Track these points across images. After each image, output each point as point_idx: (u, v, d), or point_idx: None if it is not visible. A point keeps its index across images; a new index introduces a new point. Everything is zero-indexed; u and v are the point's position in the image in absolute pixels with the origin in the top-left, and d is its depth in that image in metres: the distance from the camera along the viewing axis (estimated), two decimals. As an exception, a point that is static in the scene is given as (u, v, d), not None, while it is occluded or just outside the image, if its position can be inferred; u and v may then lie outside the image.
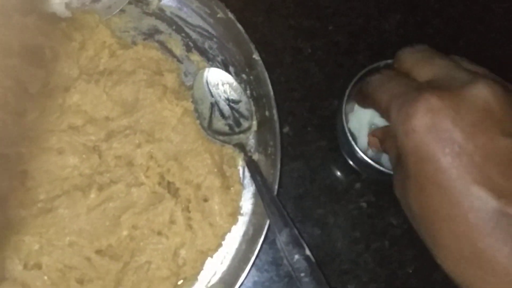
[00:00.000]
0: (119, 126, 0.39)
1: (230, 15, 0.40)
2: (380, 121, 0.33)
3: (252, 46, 0.39)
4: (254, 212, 0.39)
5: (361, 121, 0.35)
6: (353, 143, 0.34)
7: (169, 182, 0.38)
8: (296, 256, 0.33)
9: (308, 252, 0.33)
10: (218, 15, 0.41)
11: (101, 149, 0.38)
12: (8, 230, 0.35)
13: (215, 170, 0.38)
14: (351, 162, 0.39)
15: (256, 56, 0.39)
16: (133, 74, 0.40)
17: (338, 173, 0.41)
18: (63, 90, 0.38)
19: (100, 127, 0.38)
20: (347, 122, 0.35)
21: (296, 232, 0.33)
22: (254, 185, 0.39)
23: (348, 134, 0.35)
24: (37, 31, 0.39)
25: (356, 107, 0.35)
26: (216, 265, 0.38)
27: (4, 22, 0.39)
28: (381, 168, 0.33)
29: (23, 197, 0.36)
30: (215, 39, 0.42)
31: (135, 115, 0.39)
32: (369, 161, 0.34)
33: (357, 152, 0.34)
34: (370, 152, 0.35)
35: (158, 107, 0.39)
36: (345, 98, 0.35)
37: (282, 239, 0.33)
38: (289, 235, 0.34)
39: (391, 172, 0.30)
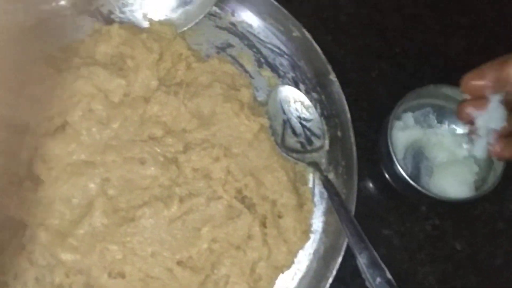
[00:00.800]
0: (196, 139, 0.40)
1: (307, 34, 0.42)
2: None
3: (329, 67, 0.41)
4: (324, 231, 0.41)
5: (398, 142, 0.40)
6: (395, 159, 0.38)
7: (245, 197, 0.39)
8: (378, 279, 0.34)
9: (389, 275, 0.35)
10: (294, 34, 0.43)
11: (179, 161, 0.39)
12: (93, 238, 0.35)
13: (290, 187, 0.39)
14: (389, 180, 0.41)
15: (333, 77, 0.41)
16: (210, 87, 0.41)
17: (404, 195, 0.42)
18: (143, 101, 0.40)
19: (178, 139, 0.39)
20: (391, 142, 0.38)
21: (376, 254, 0.35)
22: (324, 204, 0.40)
23: (392, 152, 0.38)
24: (121, 40, 0.39)
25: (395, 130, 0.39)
26: (287, 281, 0.39)
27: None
28: (419, 188, 0.37)
29: (106, 205, 0.37)
30: (286, 56, 0.44)
31: (212, 129, 0.40)
32: (407, 178, 0.38)
33: (398, 169, 0.38)
34: (409, 170, 0.39)
35: (235, 122, 0.40)
36: (392, 117, 0.38)
37: (363, 261, 0.35)
38: (369, 257, 0.35)
39: (428, 193, 0.36)
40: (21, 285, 0.37)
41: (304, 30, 0.42)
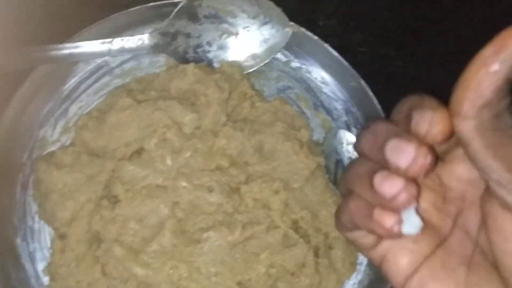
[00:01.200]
0: (257, 172, 0.44)
1: (364, 84, 0.46)
2: None
3: (383, 115, 0.45)
4: (369, 263, 0.44)
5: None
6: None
7: (299, 228, 0.43)
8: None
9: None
10: (351, 83, 0.47)
11: (241, 191, 0.43)
12: (163, 255, 0.39)
13: (342, 222, 0.43)
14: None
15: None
16: (272, 126, 0.45)
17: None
18: (212, 134, 0.44)
19: (241, 171, 0.44)
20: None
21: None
22: None
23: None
24: (196, 78, 0.44)
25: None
26: (334, 309, 0.43)
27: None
28: None
29: (175, 226, 0.41)
30: (341, 102, 0.48)
31: (272, 163, 0.44)
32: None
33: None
34: None
35: (294, 159, 0.44)
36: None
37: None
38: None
39: None
40: (94, 294, 0.41)
41: (361, 80, 0.47)
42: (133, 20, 0.48)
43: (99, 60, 0.48)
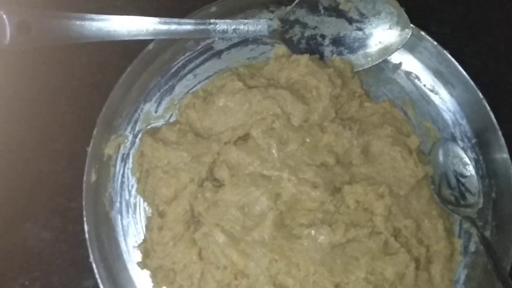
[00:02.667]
0: (361, 173, 0.43)
1: (482, 97, 0.44)
2: None
3: (499, 132, 0.43)
4: (465, 283, 0.42)
5: None
6: None
7: (400, 236, 0.41)
8: None
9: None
10: (464, 95, 0.45)
11: (344, 191, 0.41)
12: (263, 247, 0.38)
13: (445, 236, 0.41)
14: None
15: (502, 142, 0.43)
16: (380, 128, 0.44)
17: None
18: (319, 129, 0.43)
19: (345, 170, 0.42)
20: None
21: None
22: (468, 257, 0.43)
23: None
24: (308, 70, 0.43)
25: None
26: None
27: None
28: None
29: (276, 218, 0.39)
30: (450, 113, 0.46)
31: (377, 166, 0.43)
32: None
33: None
34: None
35: (402, 165, 0.43)
36: None
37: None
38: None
39: None
40: (187, 276, 0.40)
41: (479, 93, 0.45)
42: (246, 4, 0.47)
43: (208, 41, 0.47)
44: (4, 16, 0.39)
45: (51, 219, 0.43)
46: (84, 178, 0.40)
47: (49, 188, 0.44)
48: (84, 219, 0.39)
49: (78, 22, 0.41)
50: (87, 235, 0.39)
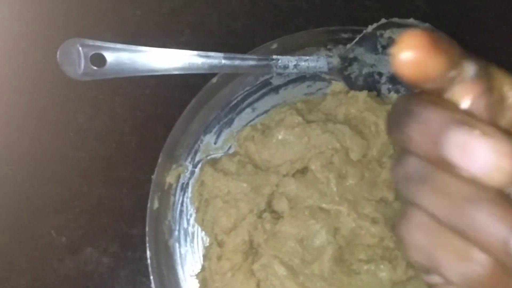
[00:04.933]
0: (420, 211, 0.41)
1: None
2: None
3: None
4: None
5: None
6: None
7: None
8: None
9: None
10: None
11: (403, 228, 0.40)
12: (322, 281, 0.37)
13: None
14: None
15: None
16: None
17: None
18: (378, 165, 0.42)
19: (404, 207, 0.41)
20: None
21: None
22: None
23: None
24: (366, 106, 0.43)
25: None
26: None
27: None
28: None
29: (335, 252, 0.39)
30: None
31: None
32: None
33: None
34: None
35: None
36: None
37: None
38: None
39: None
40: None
41: None
42: (305, 42, 0.48)
43: (267, 76, 0.48)
44: (80, 48, 0.42)
45: (111, 244, 0.44)
46: (148, 205, 0.41)
47: (110, 214, 0.45)
48: (147, 245, 0.40)
49: (147, 56, 0.43)
50: (149, 262, 0.39)
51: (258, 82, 0.48)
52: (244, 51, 0.46)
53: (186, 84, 0.46)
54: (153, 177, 0.41)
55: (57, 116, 0.47)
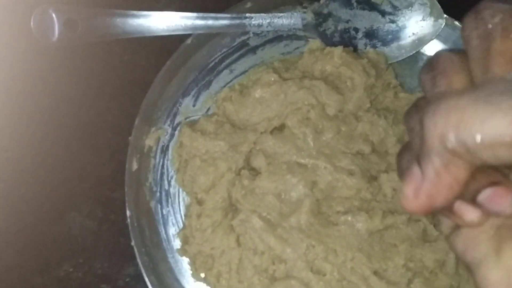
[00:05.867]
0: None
1: None
2: None
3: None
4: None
5: None
6: None
7: (437, 225, 0.41)
8: None
9: None
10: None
11: (381, 179, 0.41)
12: (300, 233, 0.38)
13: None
14: None
15: None
16: (415, 118, 0.43)
17: None
18: (354, 119, 0.43)
19: (382, 159, 0.42)
20: None
21: None
22: None
23: None
24: (342, 62, 0.43)
25: None
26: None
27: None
28: None
29: (313, 205, 0.39)
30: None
31: (413, 156, 0.42)
32: None
33: None
34: None
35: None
36: None
37: None
38: None
39: None
40: (226, 262, 0.40)
41: None
42: (280, 1, 0.48)
43: (244, 37, 0.48)
44: (53, 14, 0.42)
45: (94, 209, 0.44)
46: (126, 166, 0.41)
47: (92, 180, 0.45)
48: (126, 205, 0.40)
49: (121, 19, 0.43)
50: (129, 221, 0.40)
51: (236, 43, 0.48)
52: (217, 4, 0.46)
53: (163, 49, 0.46)
54: (130, 138, 0.41)
55: (33, 83, 0.47)
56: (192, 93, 0.47)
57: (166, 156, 0.45)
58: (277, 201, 0.41)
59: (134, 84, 0.48)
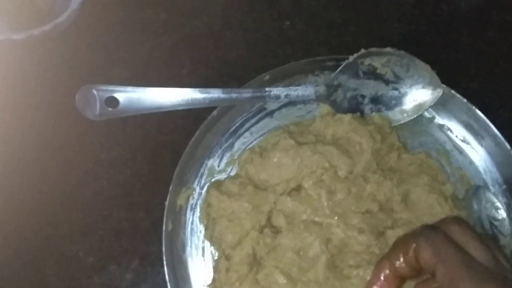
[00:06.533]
0: (402, 219, 0.48)
1: (507, 145, 0.49)
2: None
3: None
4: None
5: None
6: None
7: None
8: None
9: None
10: (492, 145, 0.50)
11: (387, 235, 0.46)
12: (317, 287, 0.43)
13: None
14: None
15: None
16: (417, 177, 0.49)
17: None
18: (363, 180, 0.48)
19: (388, 216, 0.47)
20: None
21: None
22: None
23: None
24: (351, 127, 0.49)
25: None
26: None
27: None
28: None
29: (328, 261, 0.45)
30: (482, 162, 0.51)
31: (416, 213, 0.48)
32: None
33: None
34: None
35: (439, 210, 0.48)
36: None
37: None
38: None
39: None
40: (251, 314, 0.46)
41: (507, 144, 0.50)
42: (294, 71, 0.54)
43: (262, 103, 0.54)
44: (95, 93, 0.47)
45: (133, 262, 0.50)
46: (163, 228, 0.47)
47: (130, 235, 0.51)
48: (164, 262, 0.46)
49: (155, 95, 0.48)
50: (167, 276, 0.46)
51: (254, 108, 0.54)
52: (239, 79, 0.52)
53: (189, 113, 0.52)
54: (166, 202, 0.46)
55: (76, 149, 0.53)
56: (217, 154, 0.53)
57: (195, 213, 0.51)
58: (297, 257, 0.46)
59: (163, 146, 0.53)
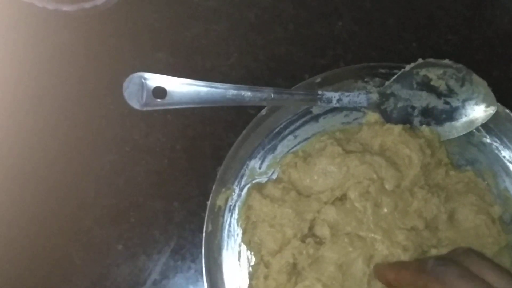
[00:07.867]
0: (447, 238, 0.46)
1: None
2: None
3: None
4: None
5: None
6: None
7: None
8: None
9: None
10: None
11: (431, 253, 0.45)
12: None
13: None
14: None
15: None
16: (465, 196, 0.47)
17: None
18: (410, 195, 0.46)
19: (433, 234, 0.46)
20: None
21: None
22: None
23: None
24: (401, 139, 0.47)
25: None
26: None
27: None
28: None
29: (369, 278, 0.43)
30: (527, 184, 0.49)
31: (462, 233, 0.46)
32: None
33: None
34: None
35: (485, 233, 0.46)
36: None
37: None
38: None
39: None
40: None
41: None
42: (344, 75, 0.52)
43: (306, 106, 0.52)
44: (143, 81, 0.45)
45: (163, 254, 0.48)
46: (204, 228, 0.45)
47: (162, 226, 0.49)
48: (203, 266, 0.44)
49: (205, 89, 0.46)
50: (205, 282, 0.44)
51: (300, 111, 0.52)
52: (285, 76, 0.50)
53: (230, 107, 0.50)
54: (208, 202, 0.45)
55: (115, 131, 0.51)
56: (259, 156, 0.51)
57: (233, 215, 0.49)
58: (339, 272, 0.44)
59: (203, 137, 0.51)
